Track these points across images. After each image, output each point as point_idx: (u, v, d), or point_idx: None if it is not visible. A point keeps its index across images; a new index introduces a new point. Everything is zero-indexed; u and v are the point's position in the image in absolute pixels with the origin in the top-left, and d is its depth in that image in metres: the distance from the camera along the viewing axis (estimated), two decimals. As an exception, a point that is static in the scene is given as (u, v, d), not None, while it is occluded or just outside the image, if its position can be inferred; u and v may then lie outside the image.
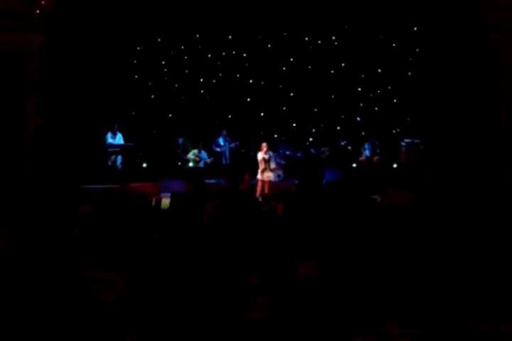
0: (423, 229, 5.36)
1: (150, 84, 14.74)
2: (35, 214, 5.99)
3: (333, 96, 14.89)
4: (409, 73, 14.36)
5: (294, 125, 14.93)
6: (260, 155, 11.98)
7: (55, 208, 6.63)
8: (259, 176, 11.91)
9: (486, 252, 4.35)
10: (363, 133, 14.43)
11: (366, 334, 2.66)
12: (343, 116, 14.87)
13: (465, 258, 4.21)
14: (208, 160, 13.63)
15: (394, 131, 14.45)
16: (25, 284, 3.11)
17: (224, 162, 14.01)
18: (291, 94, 14.92)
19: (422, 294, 3.25)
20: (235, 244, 4.36)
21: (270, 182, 11.98)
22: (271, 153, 12.22)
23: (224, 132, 14.11)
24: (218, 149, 13.96)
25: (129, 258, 4.11)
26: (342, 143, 14.21)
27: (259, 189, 11.50)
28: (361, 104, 14.70)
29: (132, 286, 3.43)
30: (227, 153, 14.03)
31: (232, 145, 14.12)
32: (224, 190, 8.04)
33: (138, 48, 14.42)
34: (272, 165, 12.18)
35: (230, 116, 14.94)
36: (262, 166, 11.88)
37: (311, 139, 14.90)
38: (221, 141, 14.02)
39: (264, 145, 12.07)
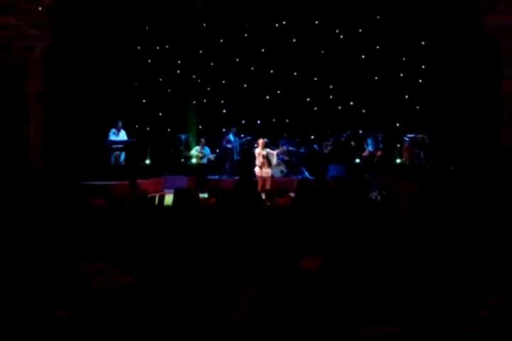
0: (425, 223, 5.36)
1: (154, 80, 14.77)
2: (38, 210, 6.01)
3: (335, 91, 14.91)
4: (412, 69, 14.37)
5: (297, 120, 14.95)
6: (258, 150, 12.04)
7: (59, 204, 6.64)
8: (257, 172, 11.94)
9: (487, 249, 4.35)
10: (366, 129, 14.42)
11: (366, 329, 2.66)
12: (345, 111, 14.89)
13: (466, 254, 4.21)
14: (211, 156, 13.63)
15: (397, 126, 14.46)
16: (25, 278, 3.12)
17: (235, 158, 14.00)
18: (295, 90, 14.93)
19: (422, 290, 3.26)
20: (238, 239, 4.37)
21: (270, 178, 12.02)
22: (268, 149, 12.25)
23: (234, 129, 14.11)
24: (229, 145, 13.94)
25: (133, 254, 4.12)
26: (343, 138, 14.19)
27: (259, 185, 11.50)
28: (364, 99, 14.69)
29: (137, 283, 3.43)
30: (238, 149, 14.03)
31: (244, 140, 14.12)
32: (234, 187, 7.93)
33: (139, 48, 14.47)
34: (274, 160, 12.22)
35: (232, 112, 14.98)
36: (259, 160, 11.91)
37: (313, 135, 14.91)
38: (231, 137, 14.01)
39: (260, 142, 12.13)
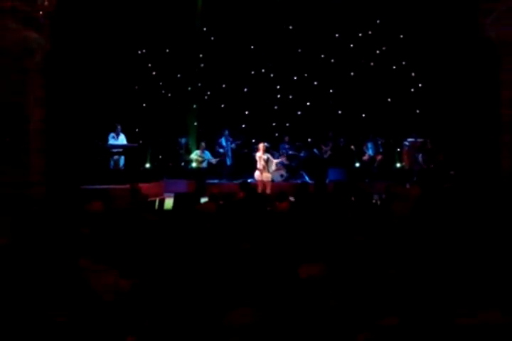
0: (426, 224, 5.36)
1: (154, 84, 14.80)
2: (37, 213, 6.00)
3: (335, 96, 14.95)
4: (413, 73, 14.41)
5: (297, 124, 14.98)
6: (258, 154, 12.03)
7: (59, 208, 6.63)
8: (257, 176, 11.93)
9: (487, 247, 4.35)
10: (366, 133, 14.43)
11: (367, 331, 2.65)
12: (345, 116, 14.91)
13: (467, 253, 4.22)
14: (213, 161, 13.62)
15: (397, 130, 14.47)
16: (24, 282, 3.11)
17: (228, 163, 14.00)
18: (295, 94, 14.98)
19: (421, 288, 3.25)
20: (240, 242, 4.36)
21: (270, 182, 12.02)
22: (269, 154, 12.23)
23: (226, 132, 14.12)
24: (221, 150, 13.96)
25: (132, 257, 4.12)
26: (341, 143, 14.22)
27: (259, 189, 11.48)
28: (364, 104, 14.71)
29: (137, 286, 3.42)
30: (230, 154, 14.02)
31: (233, 145, 14.12)
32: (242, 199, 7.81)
33: (139, 52, 14.52)
34: (273, 167, 12.20)
35: (232, 116, 15.00)
36: (260, 164, 11.88)
37: (312, 139, 14.93)
38: (223, 142, 14.03)
39: (260, 146, 12.10)
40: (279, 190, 8.28)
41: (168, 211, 8.49)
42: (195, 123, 14.88)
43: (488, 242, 4.57)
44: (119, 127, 12.97)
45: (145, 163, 14.08)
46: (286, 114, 15.00)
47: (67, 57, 11.43)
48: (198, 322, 2.97)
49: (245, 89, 15.01)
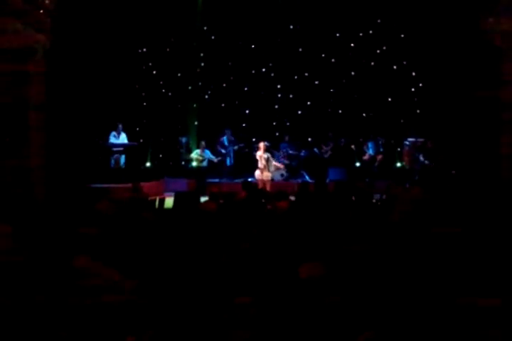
0: (425, 228, 5.35)
1: (155, 83, 14.80)
2: (38, 214, 5.99)
3: (336, 95, 14.94)
4: (413, 73, 14.40)
5: (298, 124, 14.98)
6: (259, 153, 12.03)
7: (60, 207, 6.63)
8: (258, 175, 11.93)
9: (486, 251, 4.35)
10: (367, 132, 14.43)
11: (367, 331, 2.66)
12: (346, 115, 14.91)
13: (467, 252, 4.22)
14: (215, 159, 13.64)
15: (398, 130, 14.47)
16: (25, 286, 3.11)
17: (228, 163, 14.00)
18: (295, 93, 14.97)
19: (421, 288, 3.26)
20: (240, 242, 4.36)
21: (270, 181, 12.03)
22: (269, 153, 12.23)
23: (228, 131, 14.12)
24: (223, 150, 13.95)
25: (133, 257, 4.12)
26: (341, 143, 14.22)
27: (259, 188, 11.48)
28: (365, 103, 14.71)
29: (138, 286, 3.43)
30: (232, 154, 14.02)
31: (236, 147, 14.10)
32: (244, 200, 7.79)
33: (140, 51, 14.53)
34: (272, 167, 12.20)
35: (233, 115, 15.00)
36: (261, 163, 11.88)
37: (312, 138, 14.92)
38: (225, 141, 14.01)
39: (261, 145, 12.10)
40: (278, 190, 8.27)
41: (168, 210, 8.49)
42: (196, 123, 14.89)
43: (489, 242, 4.57)
44: (120, 126, 13.00)
45: (145, 161, 14.10)
46: (286, 113, 15.00)
47: (67, 56, 11.43)
48: (198, 321, 2.97)
49: (246, 89, 15.01)
